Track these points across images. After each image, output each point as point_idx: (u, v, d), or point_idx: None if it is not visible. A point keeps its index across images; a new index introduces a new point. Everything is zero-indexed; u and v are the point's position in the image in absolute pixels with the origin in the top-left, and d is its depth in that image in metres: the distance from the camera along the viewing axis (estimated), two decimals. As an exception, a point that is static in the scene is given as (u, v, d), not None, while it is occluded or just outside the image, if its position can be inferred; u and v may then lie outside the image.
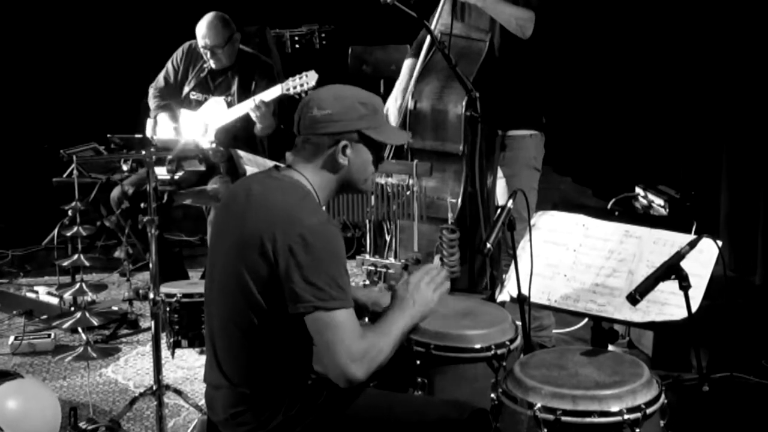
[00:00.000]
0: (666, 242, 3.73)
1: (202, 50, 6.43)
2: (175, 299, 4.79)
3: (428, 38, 5.32)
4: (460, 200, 5.13)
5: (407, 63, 5.54)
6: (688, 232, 3.84)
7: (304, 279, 3.06)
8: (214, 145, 5.40)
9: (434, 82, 5.30)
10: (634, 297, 3.37)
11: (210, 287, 3.39)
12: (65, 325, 4.89)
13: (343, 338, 3.05)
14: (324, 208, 3.29)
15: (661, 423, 3.24)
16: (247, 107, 6.26)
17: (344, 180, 3.30)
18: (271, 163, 4.45)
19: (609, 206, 6.54)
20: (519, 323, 3.75)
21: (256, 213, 3.19)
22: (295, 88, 6.04)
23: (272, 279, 3.12)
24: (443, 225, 4.91)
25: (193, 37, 6.53)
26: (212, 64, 6.45)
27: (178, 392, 4.89)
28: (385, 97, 5.73)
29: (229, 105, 6.42)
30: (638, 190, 6.50)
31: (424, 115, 5.28)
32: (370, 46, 7.71)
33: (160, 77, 6.68)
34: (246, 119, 6.36)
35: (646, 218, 6.25)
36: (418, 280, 3.27)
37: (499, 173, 5.37)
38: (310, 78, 6.02)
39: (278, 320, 3.16)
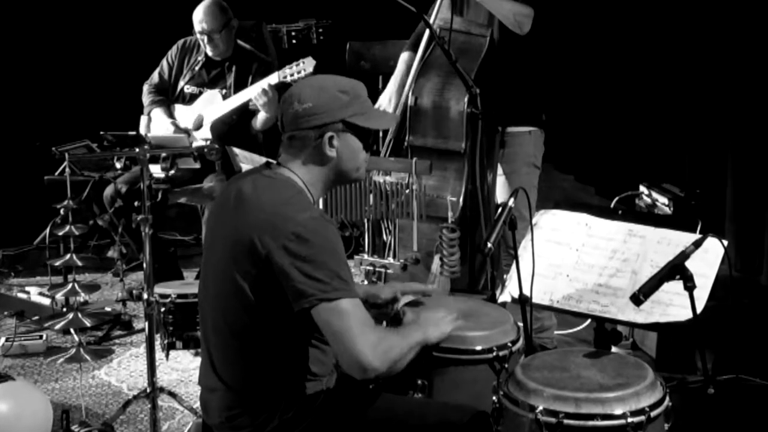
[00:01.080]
0: (670, 242, 3.73)
1: (198, 36, 6.44)
2: (169, 300, 4.78)
3: (427, 33, 5.32)
4: (461, 199, 5.13)
5: (404, 57, 5.53)
6: (693, 231, 3.84)
7: (304, 275, 3.06)
8: (209, 143, 5.40)
9: (434, 78, 5.29)
10: (638, 297, 3.37)
11: (204, 289, 3.39)
12: (57, 327, 4.89)
13: (352, 325, 3.04)
14: (321, 205, 3.30)
15: (666, 426, 3.24)
16: (244, 97, 6.25)
17: (336, 172, 3.29)
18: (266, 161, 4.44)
19: (612, 205, 6.54)
20: (521, 324, 3.74)
21: (246, 213, 3.19)
22: (292, 75, 6.03)
23: (265, 279, 3.12)
24: (443, 224, 4.91)
25: (189, 33, 6.54)
26: (209, 51, 6.46)
27: (173, 395, 4.89)
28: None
29: (225, 98, 6.42)
30: (642, 188, 6.49)
31: (424, 112, 5.28)
32: (368, 42, 7.70)
33: (155, 74, 6.69)
34: (243, 114, 6.36)
35: (650, 217, 6.25)
36: (431, 312, 3.49)
37: (499, 170, 5.37)
38: (307, 65, 6.01)
39: (273, 322, 3.16)
